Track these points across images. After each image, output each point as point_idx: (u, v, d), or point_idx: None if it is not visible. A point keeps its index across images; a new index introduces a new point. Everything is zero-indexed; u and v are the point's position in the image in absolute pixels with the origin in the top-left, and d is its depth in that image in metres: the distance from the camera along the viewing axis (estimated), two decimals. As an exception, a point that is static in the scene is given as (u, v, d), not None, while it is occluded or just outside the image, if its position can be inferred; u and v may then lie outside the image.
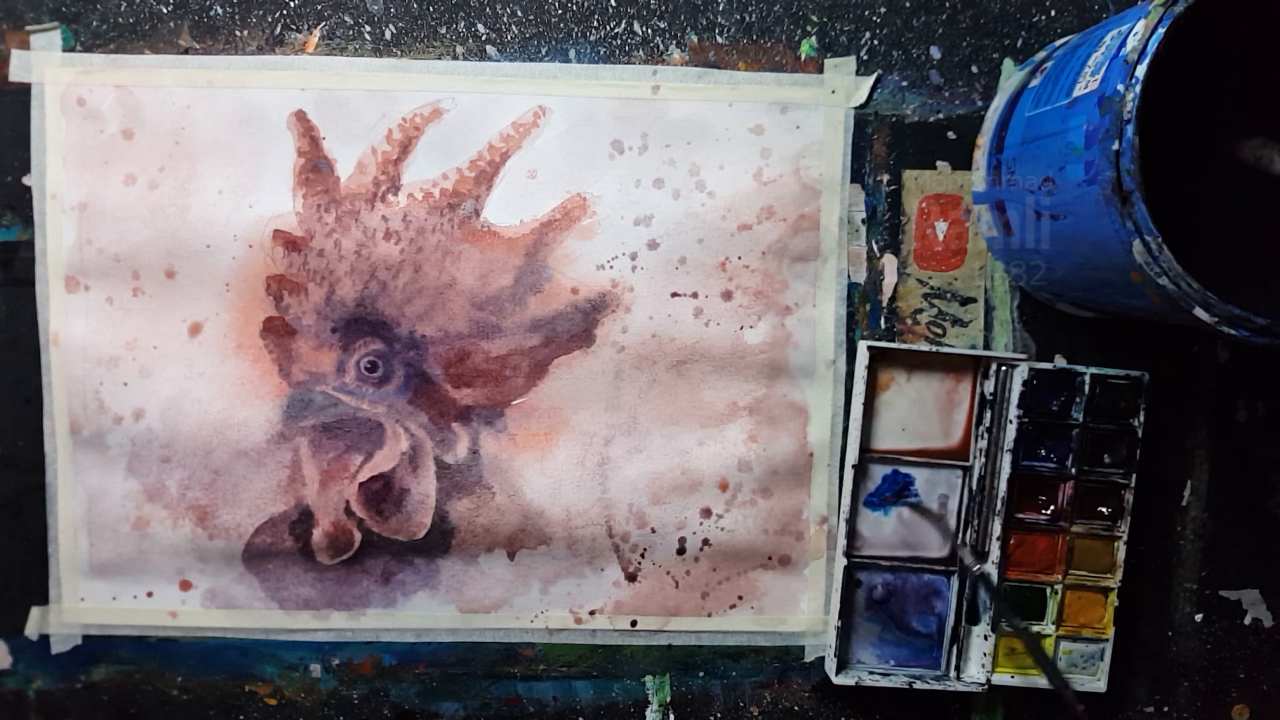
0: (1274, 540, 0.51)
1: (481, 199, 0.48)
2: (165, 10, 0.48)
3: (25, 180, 0.48)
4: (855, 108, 0.49)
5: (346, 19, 0.48)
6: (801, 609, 0.51)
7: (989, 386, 0.48)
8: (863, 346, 0.49)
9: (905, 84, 0.49)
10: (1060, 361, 0.50)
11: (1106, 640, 0.49)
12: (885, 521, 0.50)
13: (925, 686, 0.49)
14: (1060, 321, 0.50)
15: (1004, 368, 0.48)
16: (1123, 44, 0.35)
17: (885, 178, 0.49)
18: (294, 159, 0.48)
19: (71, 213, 0.48)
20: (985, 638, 0.49)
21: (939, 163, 0.49)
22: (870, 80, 0.49)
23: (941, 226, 0.49)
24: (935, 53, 0.49)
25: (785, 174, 0.48)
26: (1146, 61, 0.34)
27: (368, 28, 0.48)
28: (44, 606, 0.50)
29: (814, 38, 0.49)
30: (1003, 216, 0.46)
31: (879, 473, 0.49)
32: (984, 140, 0.48)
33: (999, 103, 0.47)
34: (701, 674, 0.51)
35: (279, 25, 0.48)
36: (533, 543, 0.50)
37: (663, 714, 0.51)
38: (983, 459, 0.49)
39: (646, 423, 0.49)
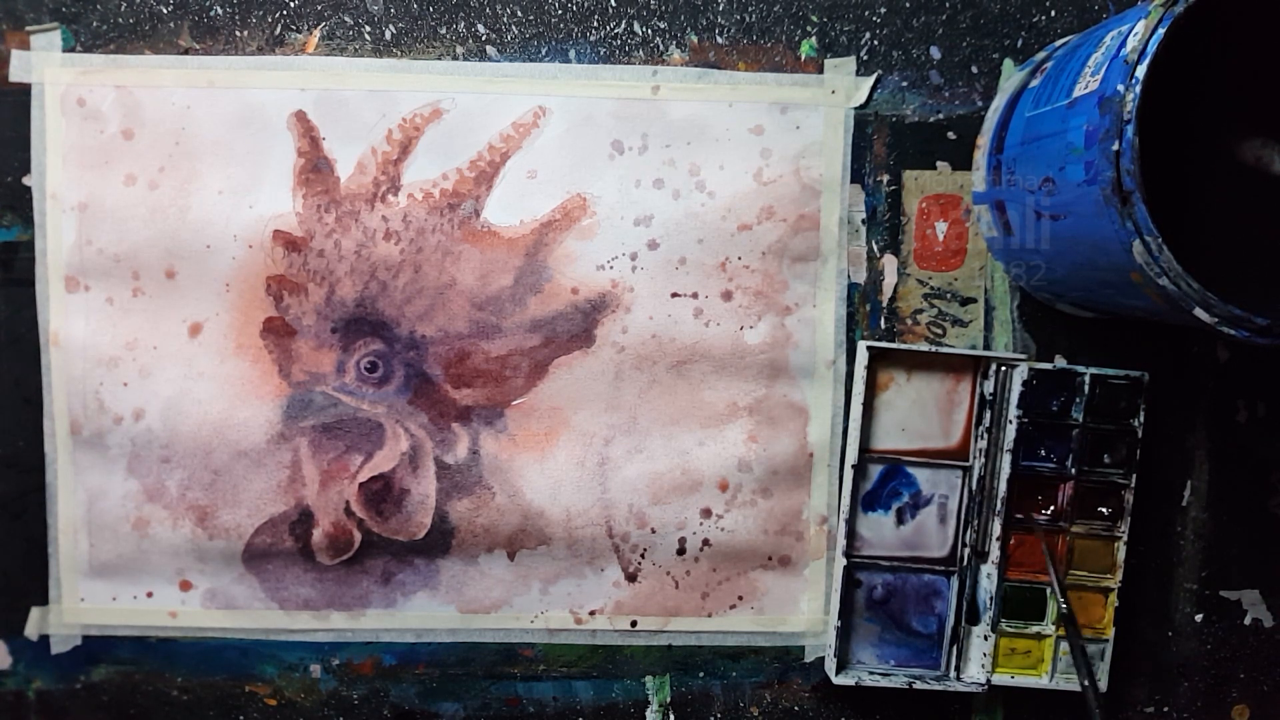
0: (1274, 540, 0.51)
1: (481, 199, 0.48)
2: (165, 10, 0.48)
3: (25, 180, 0.48)
4: (855, 108, 0.49)
5: (346, 19, 0.48)
6: (801, 609, 0.51)
7: (989, 386, 0.48)
8: (862, 346, 0.49)
9: (905, 84, 0.49)
10: (1060, 361, 0.50)
11: (1106, 640, 0.49)
12: (885, 521, 0.50)
13: (925, 687, 0.49)
14: (1060, 321, 0.50)
15: (1004, 368, 0.48)
16: (1123, 44, 0.35)
17: (885, 178, 0.49)
18: (294, 159, 0.48)
19: (71, 213, 0.48)
20: (985, 638, 0.49)
21: (939, 163, 0.49)
22: (870, 80, 0.49)
23: (941, 226, 0.49)
24: (935, 53, 0.49)
25: (785, 174, 0.48)
26: (1146, 61, 0.34)
27: (368, 28, 0.48)
28: (44, 607, 0.50)
29: (814, 38, 0.49)
30: (1003, 216, 0.46)
31: (878, 473, 0.49)
32: (984, 140, 0.48)
33: (999, 103, 0.47)
34: (701, 674, 0.51)
35: (279, 25, 0.48)
36: (533, 543, 0.50)
37: (663, 714, 0.51)
38: (983, 459, 0.49)
39: (646, 423, 0.49)
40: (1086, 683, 0.45)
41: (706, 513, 0.50)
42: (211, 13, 0.48)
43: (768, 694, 0.51)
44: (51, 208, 0.48)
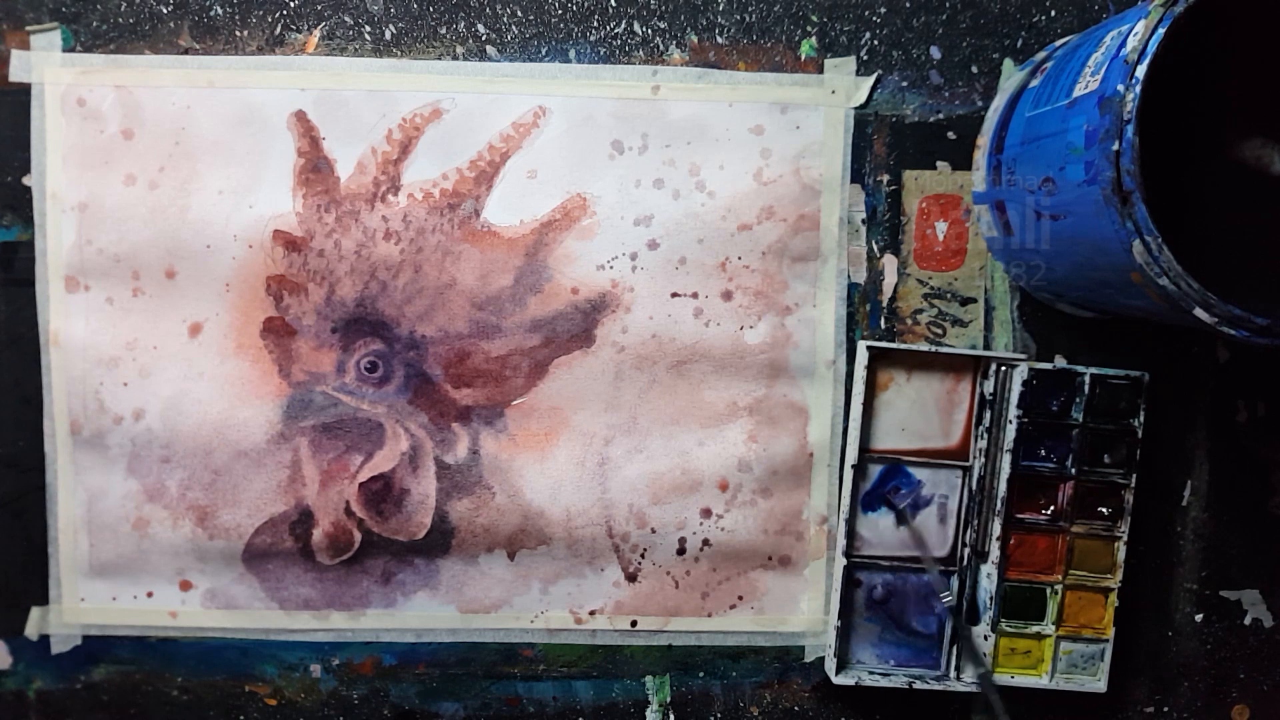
0: (1274, 540, 0.51)
1: (481, 199, 0.48)
2: (165, 10, 0.48)
3: (25, 180, 0.48)
4: (855, 108, 0.49)
5: (346, 19, 0.48)
6: (801, 609, 0.51)
7: (989, 386, 0.48)
8: (862, 346, 0.49)
9: (905, 84, 0.49)
10: (1060, 361, 0.50)
11: (1106, 640, 0.49)
12: (885, 522, 0.50)
13: (925, 686, 0.49)
14: (1060, 321, 0.50)
15: (1004, 368, 0.48)
16: (1123, 44, 0.35)
17: (885, 178, 0.49)
18: (294, 159, 0.48)
19: (71, 213, 0.48)
20: (985, 638, 0.49)
21: (939, 163, 0.49)
22: (870, 80, 0.49)
23: (941, 226, 0.49)
24: (935, 53, 0.49)
25: (785, 174, 0.48)
26: (1146, 61, 0.34)
27: (368, 28, 0.48)
28: (44, 606, 0.50)
29: (814, 38, 0.49)
30: (1003, 216, 0.46)
31: (878, 473, 0.49)
32: (984, 140, 0.48)
33: (999, 103, 0.47)
34: (701, 674, 0.51)
35: (279, 25, 0.48)
36: (533, 543, 0.50)
37: (663, 714, 0.51)
38: (983, 459, 0.49)
39: (646, 423, 0.49)
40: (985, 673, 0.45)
41: (706, 513, 0.50)
42: (211, 13, 0.48)
43: (768, 694, 0.51)
44: (51, 208, 0.48)
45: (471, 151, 0.48)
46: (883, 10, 0.49)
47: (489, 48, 0.49)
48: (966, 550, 0.49)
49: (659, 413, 0.49)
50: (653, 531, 0.50)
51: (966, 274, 0.50)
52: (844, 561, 0.49)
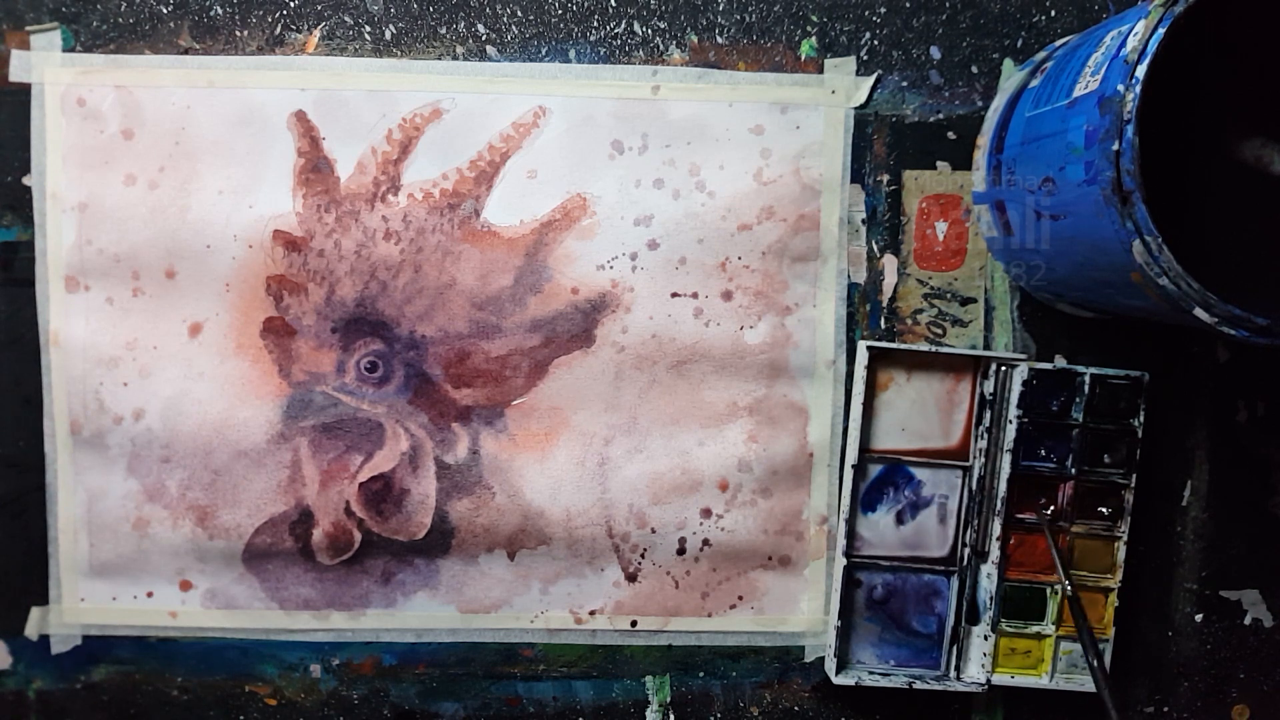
0: (1274, 540, 0.51)
1: (481, 199, 0.48)
2: (165, 10, 0.48)
3: (25, 180, 0.48)
4: (855, 108, 0.49)
5: (346, 19, 0.48)
6: (801, 609, 0.51)
7: (989, 386, 0.48)
8: (862, 346, 0.49)
9: (905, 84, 0.49)
10: (1060, 361, 0.50)
11: (1106, 640, 0.49)
12: (885, 521, 0.50)
13: (925, 686, 0.49)
14: (1060, 321, 0.50)
15: (1004, 368, 0.48)
16: (1123, 44, 0.35)
17: (885, 178, 0.49)
18: (294, 159, 0.48)
19: (71, 213, 0.48)
20: (985, 638, 0.49)
21: (939, 163, 0.49)
22: (870, 80, 0.49)
23: (941, 226, 0.49)
24: (935, 53, 0.49)
25: (785, 174, 0.48)
26: (1146, 61, 0.34)
27: (368, 28, 0.48)
28: (44, 606, 0.50)
29: (814, 38, 0.49)
30: (1003, 216, 0.46)
31: (878, 473, 0.49)
32: (984, 140, 0.48)
33: (999, 103, 0.47)
34: (701, 674, 0.51)
35: (279, 25, 0.48)
36: (533, 543, 0.50)
37: (663, 714, 0.51)
38: (983, 459, 0.49)
39: (646, 423, 0.49)
40: (1095, 662, 0.45)
41: (706, 513, 0.50)
42: (211, 13, 0.48)
43: (768, 694, 0.51)
44: (51, 208, 0.48)
45: (471, 151, 0.48)
46: (883, 10, 0.49)
47: (489, 48, 0.49)
48: (966, 550, 0.49)
49: (659, 413, 0.49)
50: (653, 531, 0.50)
51: (966, 274, 0.50)
52: (844, 561, 0.49)
